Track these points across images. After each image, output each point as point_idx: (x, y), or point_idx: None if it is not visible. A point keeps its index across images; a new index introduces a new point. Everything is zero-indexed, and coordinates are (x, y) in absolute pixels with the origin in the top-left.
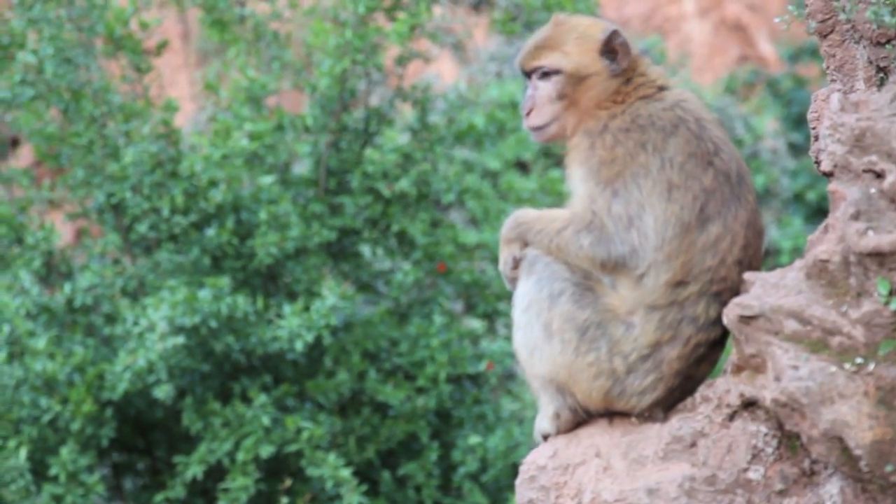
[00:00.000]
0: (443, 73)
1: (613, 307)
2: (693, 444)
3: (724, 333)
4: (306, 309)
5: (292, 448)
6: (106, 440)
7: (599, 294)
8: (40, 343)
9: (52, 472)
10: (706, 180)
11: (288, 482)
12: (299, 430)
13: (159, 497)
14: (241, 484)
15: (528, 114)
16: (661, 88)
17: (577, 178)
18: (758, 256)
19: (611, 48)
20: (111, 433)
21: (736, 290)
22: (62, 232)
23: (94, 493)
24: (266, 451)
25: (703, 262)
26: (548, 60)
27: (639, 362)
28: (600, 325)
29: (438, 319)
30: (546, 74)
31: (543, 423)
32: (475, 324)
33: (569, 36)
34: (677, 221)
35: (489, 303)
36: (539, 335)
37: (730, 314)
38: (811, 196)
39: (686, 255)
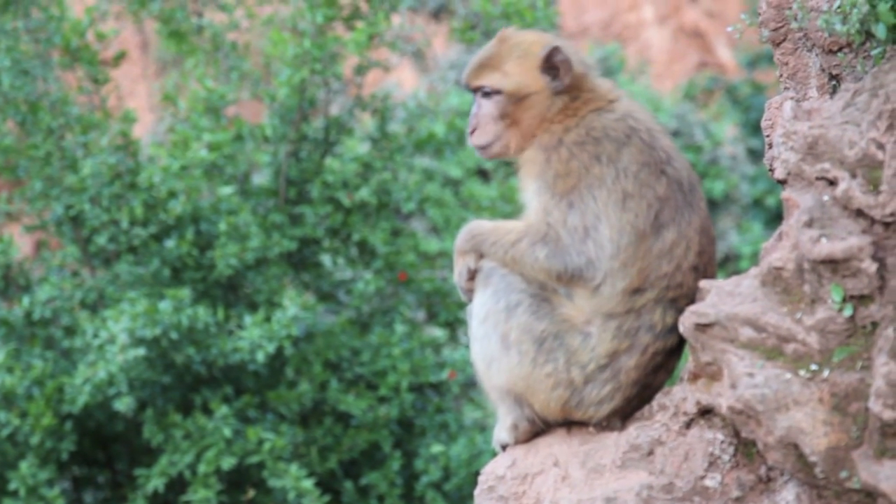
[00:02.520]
0: (403, 82)
1: (570, 317)
2: (650, 453)
3: (681, 341)
4: (267, 319)
5: (254, 459)
6: (66, 454)
7: (556, 305)
8: None
9: (12, 486)
10: (660, 188)
11: (250, 493)
12: (261, 442)
13: None
14: (202, 496)
15: (472, 132)
16: (612, 101)
17: (532, 191)
18: (712, 263)
19: (552, 65)
20: (71, 446)
21: (691, 296)
22: (20, 244)
23: None
24: (228, 462)
25: (659, 268)
26: (488, 80)
27: (596, 372)
28: (557, 335)
29: (400, 328)
30: (488, 94)
31: (502, 433)
32: (437, 332)
33: (511, 54)
34: (632, 230)
35: (451, 311)
36: (496, 347)
37: (686, 322)
38: (771, 201)
39: (642, 262)
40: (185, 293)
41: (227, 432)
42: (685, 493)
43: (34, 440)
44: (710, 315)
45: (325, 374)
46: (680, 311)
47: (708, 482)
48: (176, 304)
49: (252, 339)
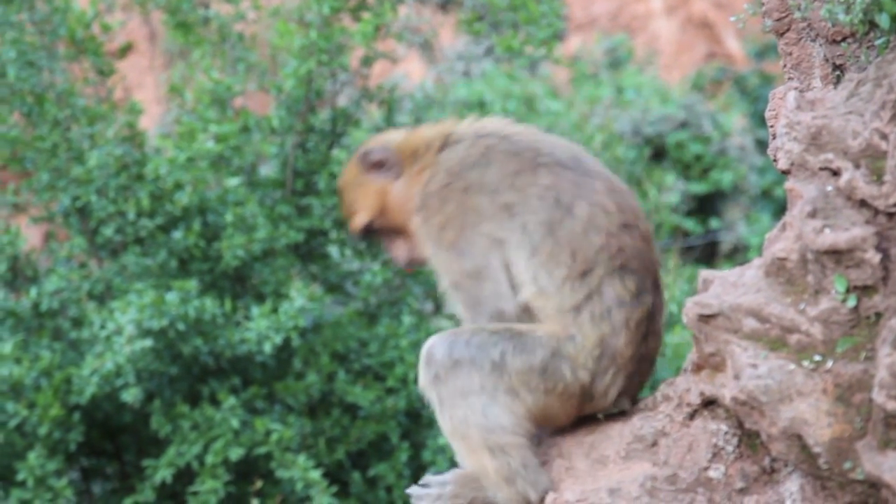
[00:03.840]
0: (411, 73)
1: (552, 332)
2: (654, 444)
3: (656, 301)
4: (274, 311)
5: (262, 450)
6: (74, 444)
7: (529, 331)
8: (6, 348)
9: (20, 477)
10: (543, 180)
11: (258, 484)
12: (269, 432)
13: (128, 501)
14: (210, 487)
15: (395, 261)
16: (449, 134)
17: (430, 256)
18: (638, 214)
19: (373, 166)
20: (79, 437)
21: (639, 254)
22: (28, 236)
23: (62, 497)
24: (235, 453)
25: (591, 243)
26: (358, 224)
27: (596, 363)
28: (554, 353)
29: (407, 320)
30: (370, 232)
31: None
32: (444, 324)
33: (351, 191)
34: (538, 225)
35: None
36: (507, 402)
37: (689, 313)
38: (779, 192)
39: (570, 244)
40: (193, 284)
41: (235, 423)
42: (689, 485)
43: (42, 431)
44: (714, 306)
45: (333, 365)
46: (635, 273)
47: (712, 473)
48: (183, 295)
49: (259, 330)
